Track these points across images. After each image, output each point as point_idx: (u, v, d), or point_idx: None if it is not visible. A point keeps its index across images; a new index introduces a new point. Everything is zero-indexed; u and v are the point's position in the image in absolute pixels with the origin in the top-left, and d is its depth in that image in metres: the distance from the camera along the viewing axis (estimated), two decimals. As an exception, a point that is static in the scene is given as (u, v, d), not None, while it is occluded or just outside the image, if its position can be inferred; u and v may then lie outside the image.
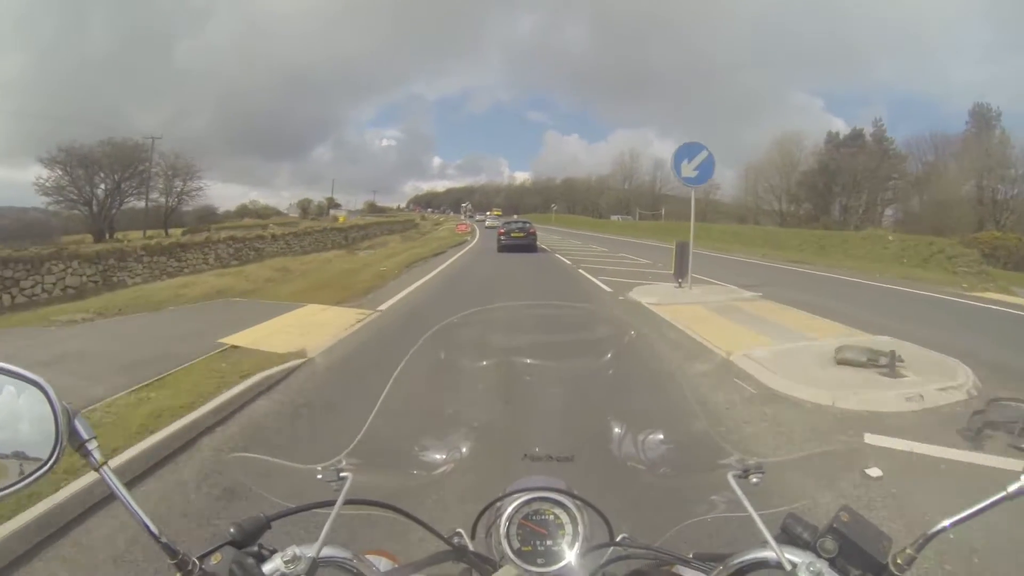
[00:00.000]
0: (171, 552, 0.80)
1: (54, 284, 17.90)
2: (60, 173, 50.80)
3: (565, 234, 53.97)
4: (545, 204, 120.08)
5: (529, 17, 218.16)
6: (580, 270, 18.84)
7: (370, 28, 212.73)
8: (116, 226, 53.80)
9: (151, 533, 0.81)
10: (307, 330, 8.35)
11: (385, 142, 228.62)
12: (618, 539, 1.04)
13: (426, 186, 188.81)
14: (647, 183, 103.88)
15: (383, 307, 10.93)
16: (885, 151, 66.41)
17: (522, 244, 28.18)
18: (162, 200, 60.96)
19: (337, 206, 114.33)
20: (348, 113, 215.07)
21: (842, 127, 78.04)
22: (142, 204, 57.60)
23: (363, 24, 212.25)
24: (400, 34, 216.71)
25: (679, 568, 0.98)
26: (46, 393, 0.78)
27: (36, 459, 0.78)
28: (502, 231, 29.44)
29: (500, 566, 0.98)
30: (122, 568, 2.92)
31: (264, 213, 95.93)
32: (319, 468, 1.08)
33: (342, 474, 1.07)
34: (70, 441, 0.79)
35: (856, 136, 70.51)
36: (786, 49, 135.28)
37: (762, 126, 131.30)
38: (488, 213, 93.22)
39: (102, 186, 53.80)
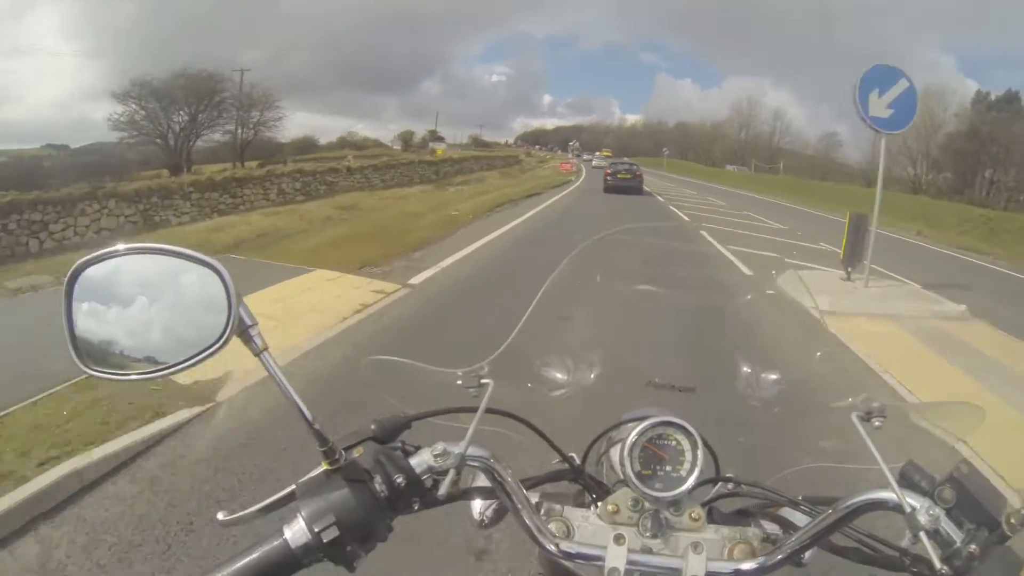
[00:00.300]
0: (321, 439, 0.80)
1: (87, 227, 16.20)
2: (135, 107, 49.62)
3: (678, 182, 49.98)
4: (655, 148, 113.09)
5: None
6: (702, 232, 15.26)
7: None
8: (194, 160, 52.51)
9: (305, 419, 0.81)
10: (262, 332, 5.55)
11: (495, 78, 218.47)
12: (725, 475, 1.04)
13: (535, 123, 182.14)
14: (765, 133, 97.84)
15: (419, 278, 8.57)
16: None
17: (628, 186, 28.72)
18: (244, 133, 58.75)
19: (440, 139, 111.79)
20: (456, 48, 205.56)
21: (971, 87, 68.06)
22: (220, 137, 56.24)
23: None
24: None
25: (785, 511, 0.96)
26: (222, 277, 0.80)
27: (209, 338, 0.80)
28: (609, 172, 30.12)
29: (613, 491, 0.97)
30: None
31: (363, 145, 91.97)
32: (459, 373, 1.04)
33: (483, 381, 1.03)
34: (237, 326, 0.80)
35: (1011, 99, 60.35)
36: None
37: None
38: (597, 153, 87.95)
39: (177, 119, 52.39)
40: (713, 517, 0.98)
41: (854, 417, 0.99)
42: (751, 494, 1.01)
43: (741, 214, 22.69)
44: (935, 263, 15.28)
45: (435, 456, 0.85)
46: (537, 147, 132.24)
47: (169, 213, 18.91)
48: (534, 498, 0.97)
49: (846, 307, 8.22)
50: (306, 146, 72.20)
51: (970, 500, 0.79)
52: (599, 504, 0.98)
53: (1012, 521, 0.76)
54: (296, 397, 0.82)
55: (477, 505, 1.00)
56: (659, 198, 27.29)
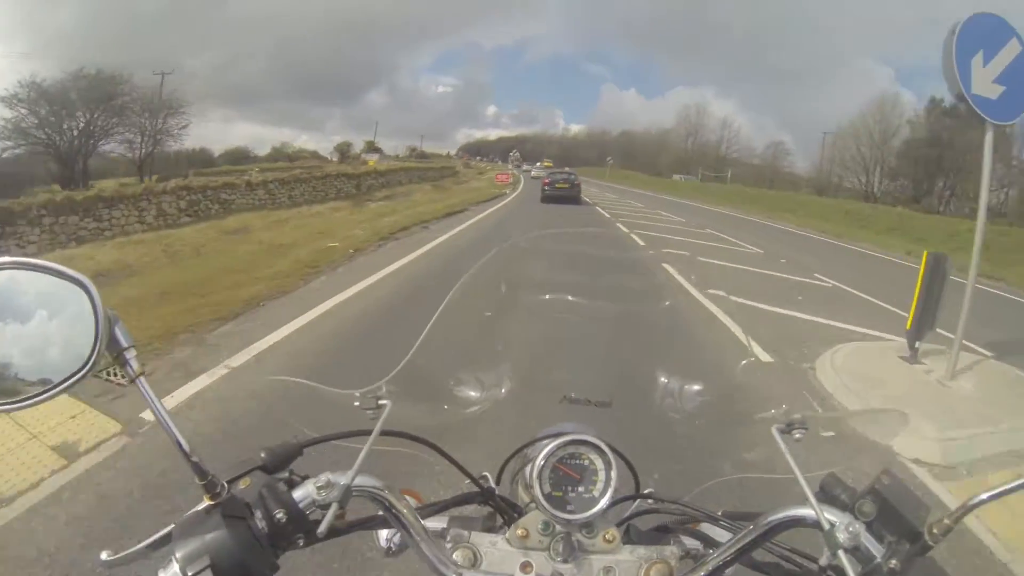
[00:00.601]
0: (200, 472, 0.77)
1: None
2: (24, 113, 42.72)
3: (623, 192, 47.47)
4: (600, 157, 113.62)
5: None
6: (666, 266, 10.94)
7: None
8: (93, 173, 45.85)
9: (182, 451, 0.77)
10: None
11: (440, 89, 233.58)
12: (645, 491, 1.04)
13: (479, 134, 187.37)
14: (712, 142, 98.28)
15: (180, 394, 4.65)
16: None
17: (566, 195, 28.54)
18: (144, 142, 52.10)
19: (377, 150, 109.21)
20: (402, 59, 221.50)
21: (911, 100, 72.02)
22: (116, 147, 50.05)
23: None
24: None
25: (705, 526, 0.97)
26: (90, 294, 0.73)
27: (73, 364, 0.73)
28: (547, 181, 30.06)
29: (526, 512, 0.95)
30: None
31: (297, 156, 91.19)
32: (357, 394, 1.02)
33: (380, 402, 1.01)
34: (108, 348, 0.75)
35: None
36: (856, 10, 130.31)
37: (825, 95, 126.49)
38: (538, 164, 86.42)
39: (71, 126, 45.76)
40: (631, 536, 0.97)
41: (774, 430, 0.99)
42: (671, 511, 0.99)
43: (704, 233, 19.31)
44: (1001, 313, 10.83)
45: (318, 488, 0.80)
46: (478, 158, 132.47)
47: (11, 242, 15.78)
48: (442, 523, 0.94)
49: (950, 455, 4.26)
50: (239, 157, 70.35)
51: (891, 512, 0.78)
52: (509, 528, 0.94)
53: (935, 531, 0.76)
54: (173, 427, 0.78)
55: (383, 533, 0.95)
56: (604, 213, 24.44)
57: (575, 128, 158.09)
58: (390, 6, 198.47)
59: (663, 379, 1.23)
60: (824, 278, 11.50)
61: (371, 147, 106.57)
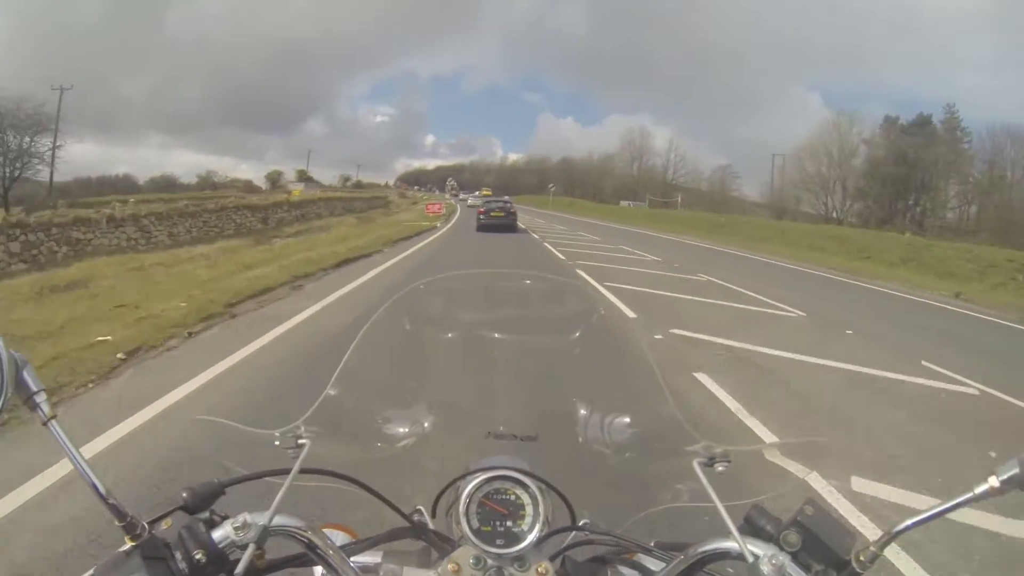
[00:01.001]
0: (119, 514, 0.76)
1: None
2: None
3: (571, 223, 42.87)
4: (540, 185, 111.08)
5: None
6: (697, 373, 6.66)
7: (366, 2, 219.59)
8: None
9: (98, 494, 0.77)
10: None
11: (378, 118, 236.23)
12: (580, 524, 1.04)
13: (418, 163, 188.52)
14: (658, 166, 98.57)
15: None
16: (957, 143, 53.76)
17: (502, 224, 28.41)
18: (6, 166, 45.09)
19: (308, 179, 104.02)
20: (341, 88, 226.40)
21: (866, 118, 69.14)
22: None
23: None
24: (394, 9, 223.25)
25: (640, 556, 0.98)
26: None
27: None
28: (482, 210, 29.76)
29: (459, 546, 0.97)
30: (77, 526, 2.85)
31: (226, 185, 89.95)
32: (276, 434, 1.04)
33: (300, 441, 1.04)
34: (17, 392, 0.74)
35: (923, 123, 59.46)
36: (783, 41, 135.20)
37: (758, 119, 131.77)
38: (476, 193, 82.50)
39: None
40: (567, 568, 0.98)
41: (695, 464, 1.01)
42: (606, 542, 1.00)
43: (702, 283, 13.97)
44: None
45: (235, 528, 0.79)
46: (416, 188, 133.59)
47: None
48: (376, 558, 0.95)
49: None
50: (166, 185, 68.65)
51: (817, 541, 0.78)
52: (442, 563, 0.95)
53: (862, 559, 0.76)
54: (88, 470, 0.77)
55: (317, 570, 0.91)
56: (555, 252, 19.75)
57: (513, 157, 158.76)
58: (325, 33, 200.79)
59: (589, 412, 1.23)
60: (967, 380, 6.78)
61: (303, 176, 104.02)
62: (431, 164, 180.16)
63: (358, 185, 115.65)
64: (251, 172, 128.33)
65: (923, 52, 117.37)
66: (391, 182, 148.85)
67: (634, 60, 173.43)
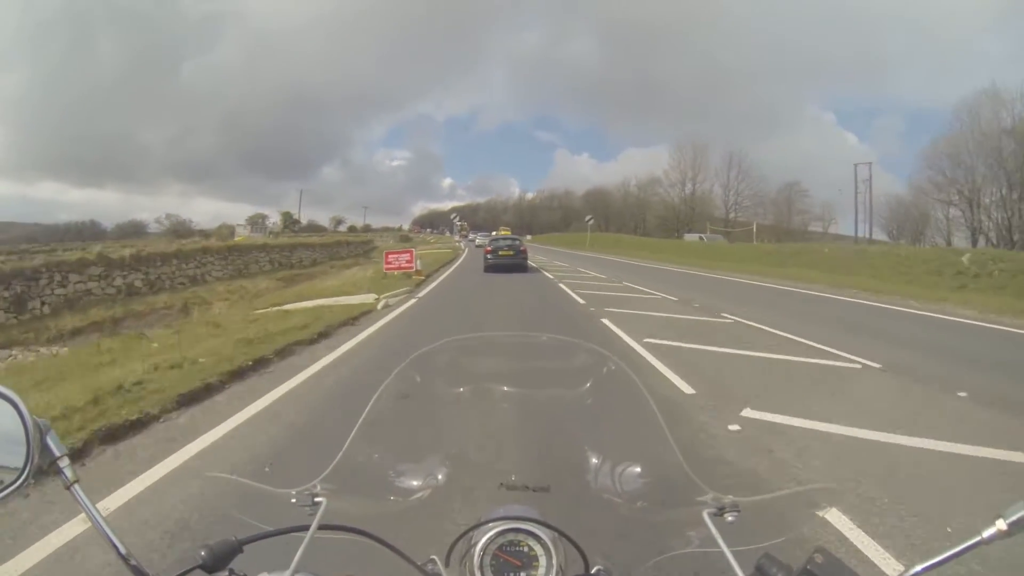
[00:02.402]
0: (139, 574, 0.81)
1: None
2: None
3: (649, 275, 27.37)
4: (565, 220, 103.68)
5: (536, 35, 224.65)
6: None
7: (378, 49, 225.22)
8: None
9: (120, 554, 0.81)
10: None
11: (395, 162, 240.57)
12: (593, 571, 1.07)
13: (434, 206, 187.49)
14: (713, 192, 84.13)
15: None
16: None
17: (511, 264, 26.74)
18: None
19: (295, 222, 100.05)
20: (357, 133, 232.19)
21: (854, 141, 65.74)
22: None
23: (371, 44, 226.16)
24: (407, 54, 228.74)
25: None
26: (18, 408, 0.77)
27: (7, 476, 0.77)
28: (488, 249, 28.19)
29: None
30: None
31: (193, 232, 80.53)
32: (293, 492, 1.09)
33: (316, 499, 1.08)
34: (41, 458, 0.78)
35: None
36: (795, 63, 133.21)
37: (776, 143, 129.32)
38: (494, 232, 70.46)
39: None
40: None
41: (705, 515, 1.05)
42: None
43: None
44: None
45: None
46: (428, 230, 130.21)
47: None
48: None
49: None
50: (132, 231, 67.20)
51: None
52: None
53: None
54: (109, 531, 0.81)
55: None
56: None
57: (531, 195, 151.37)
58: (340, 80, 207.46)
59: (599, 462, 1.28)
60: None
61: (288, 219, 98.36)
62: (447, 205, 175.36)
63: (352, 229, 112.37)
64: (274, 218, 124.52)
65: (937, 60, 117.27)
66: (405, 225, 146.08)
67: (647, 92, 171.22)
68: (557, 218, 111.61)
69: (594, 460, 1.27)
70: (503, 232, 70.67)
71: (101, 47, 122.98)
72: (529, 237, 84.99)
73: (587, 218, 72.62)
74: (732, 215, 77.68)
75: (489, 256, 27.00)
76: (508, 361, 1.54)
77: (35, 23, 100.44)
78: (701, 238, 59.21)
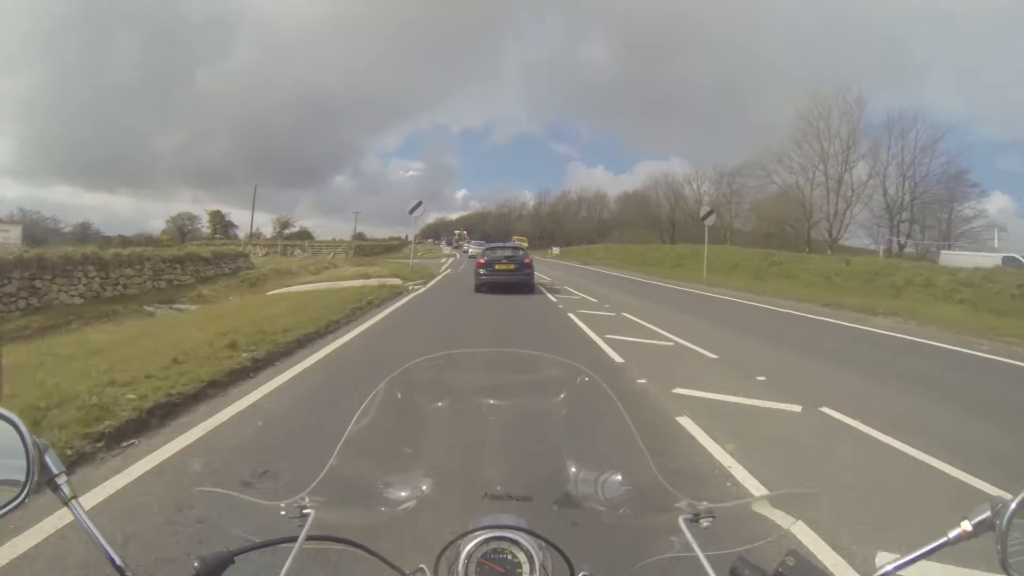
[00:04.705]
0: None
1: None
2: None
3: None
4: (600, 229, 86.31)
5: (551, 44, 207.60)
6: None
7: (395, 59, 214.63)
8: None
9: (116, 567, 0.84)
10: None
11: (409, 173, 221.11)
12: None
13: (450, 216, 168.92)
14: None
15: None
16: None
17: (511, 281, 20.30)
18: None
19: (228, 225, 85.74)
20: (370, 143, 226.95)
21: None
22: None
23: (388, 55, 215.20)
24: (423, 64, 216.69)
25: None
26: (18, 428, 0.80)
27: (7, 494, 0.80)
28: (481, 261, 21.42)
29: None
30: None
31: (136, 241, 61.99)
32: (282, 505, 1.12)
33: (305, 511, 1.11)
34: (40, 475, 0.81)
35: None
36: (819, 70, 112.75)
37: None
38: (513, 239, 56.72)
39: None
40: None
41: (681, 521, 1.08)
42: None
43: None
44: None
45: None
46: (431, 240, 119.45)
47: None
48: None
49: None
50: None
51: None
52: None
53: None
54: (107, 545, 0.83)
55: None
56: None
57: (552, 198, 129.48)
58: (354, 89, 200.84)
59: (579, 471, 1.31)
60: None
61: (219, 219, 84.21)
62: (454, 215, 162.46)
63: (302, 235, 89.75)
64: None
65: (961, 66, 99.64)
66: (409, 236, 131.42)
67: (662, 101, 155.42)
68: (591, 226, 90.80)
69: (573, 469, 1.31)
70: (518, 239, 58.84)
71: (114, 51, 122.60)
72: (557, 250, 70.89)
73: (703, 213, 33.86)
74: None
75: (482, 271, 20.49)
76: (486, 375, 1.63)
77: (46, 27, 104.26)
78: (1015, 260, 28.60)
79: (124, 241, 52.92)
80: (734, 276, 32.39)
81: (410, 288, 21.48)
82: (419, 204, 30.39)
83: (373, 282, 22.44)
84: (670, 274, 35.51)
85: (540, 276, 24.88)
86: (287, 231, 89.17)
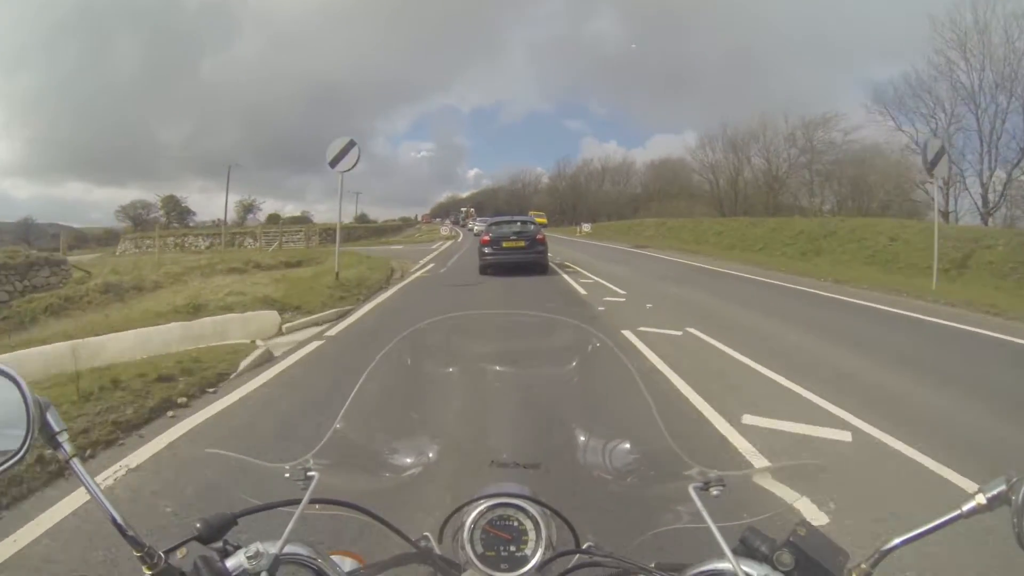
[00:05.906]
0: (137, 545, 0.81)
1: None
2: None
3: None
4: (634, 202, 73.64)
5: (560, 19, 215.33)
6: None
7: (403, 40, 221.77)
8: None
9: (117, 525, 0.83)
10: None
11: (420, 154, 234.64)
12: (584, 547, 1.08)
13: (464, 194, 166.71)
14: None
15: None
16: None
17: (520, 261, 17.86)
18: None
19: (186, 212, 76.79)
20: (381, 126, 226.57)
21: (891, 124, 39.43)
22: None
23: (395, 36, 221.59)
24: (431, 44, 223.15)
25: None
26: (18, 384, 0.79)
27: (6, 450, 0.80)
28: (486, 238, 18.51)
29: (464, 571, 1.03)
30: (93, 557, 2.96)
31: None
32: (287, 467, 1.10)
33: (309, 473, 1.09)
34: (41, 433, 0.81)
35: None
36: (835, 42, 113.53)
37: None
38: (530, 214, 45.58)
39: None
40: None
41: (691, 489, 1.04)
42: (608, 564, 1.03)
43: None
44: None
45: (248, 558, 0.85)
46: (437, 220, 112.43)
47: None
48: None
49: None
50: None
51: (810, 561, 0.82)
52: None
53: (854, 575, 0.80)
54: (107, 503, 0.83)
55: None
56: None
57: (572, 168, 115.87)
58: (363, 72, 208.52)
59: (588, 439, 1.29)
60: None
61: (173, 205, 75.99)
62: (465, 194, 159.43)
63: (271, 219, 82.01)
64: (296, 212, 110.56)
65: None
66: (418, 216, 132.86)
67: (674, 74, 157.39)
68: (621, 200, 78.25)
69: (582, 437, 1.29)
70: (534, 214, 53.09)
71: (119, 42, 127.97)
72: (588, 227, 58.42)
73: (932, 156, 15.06)
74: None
75: (487, 250, 17.99)
76: (496, 340, 1.56)
77: (50, 25, 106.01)
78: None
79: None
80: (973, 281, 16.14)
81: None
82: (350, 144, 15.04)
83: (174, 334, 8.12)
84: (806, 269, 19.60)
85: (581, 280, 16.86)
86: (250, 216, 79.33)
